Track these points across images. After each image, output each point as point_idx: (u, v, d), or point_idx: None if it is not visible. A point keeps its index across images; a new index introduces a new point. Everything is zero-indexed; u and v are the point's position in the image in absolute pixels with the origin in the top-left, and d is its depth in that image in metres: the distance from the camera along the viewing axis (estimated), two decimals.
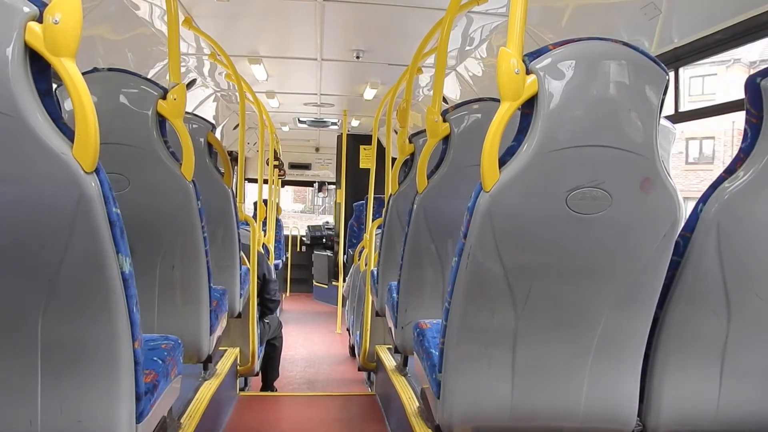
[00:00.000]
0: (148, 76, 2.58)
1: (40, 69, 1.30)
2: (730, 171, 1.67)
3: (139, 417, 1.55)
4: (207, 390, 2.98)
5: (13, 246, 1.35)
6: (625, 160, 1.55)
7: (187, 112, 2.73)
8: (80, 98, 1.29)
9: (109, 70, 2.36)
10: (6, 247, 1.35)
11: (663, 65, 1.56)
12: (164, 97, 2.31)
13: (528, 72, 1.51)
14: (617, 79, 1.53)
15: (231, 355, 3.74)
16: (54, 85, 1.37)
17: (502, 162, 1.56)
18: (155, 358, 1.81)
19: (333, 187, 10.82)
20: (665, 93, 1.58)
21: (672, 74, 1.61)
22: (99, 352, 1.46)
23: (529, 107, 1.54)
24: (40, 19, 1.26)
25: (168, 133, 2.39)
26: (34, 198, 1.32)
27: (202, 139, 3.25)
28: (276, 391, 4.69)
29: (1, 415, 1.46)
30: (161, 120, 2.33)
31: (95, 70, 2.33)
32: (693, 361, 1.81)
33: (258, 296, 4.13)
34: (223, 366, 3.45)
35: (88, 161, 1.31)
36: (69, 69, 1.27)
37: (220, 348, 3.74)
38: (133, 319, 1.48)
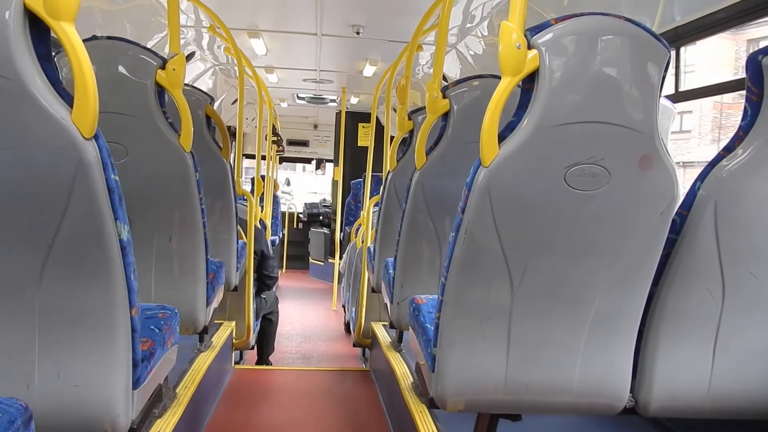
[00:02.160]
0: None
1: (39, 33, 1.28)
2: (728, 149, 1.66)
3: (136, 383, 1.57)
4: (203, 361, 3.01)
5: (11, 210, 1.35)
6: (625, 137, 1.54)
7: (185, 85, 2.71)
8: (80, 63, 1.28)
9: (108, 38, 2.34)
10: (4, 211, 1.35)
11: (665, 42, 1.55)
12: (163, 68, 2.30)
13: (530, 47, 1.50)
14: (619, 55, 1.52)
15: (227, 328, 3.77)
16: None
17: (502, 137, 1.55)
18: (152, 327, 1.83)
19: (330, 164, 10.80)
20: (666, 70, 1.57)
21: (673, 53, 1.58)
22: (96, 318, 1.47)
23: (529, 82, 1.53)
24: None
25: (166, 104, 2.38)
26: (32, 162, 1.32)
27: (200, 112, 3.23)
28: (271, 365, 4.73)
29: None
30: (160, 90, 2.32)
31: (94, 38, 2.31)
32: (686, 338, 1.81)
33: (256, 272, 4.15)
34: (219, 339, 3.47)
35: (87, 127, 1.30)
36: (69, 33, 1.26)
37: (216, 321, 3.77)
38: (130, 286, 1.48)
